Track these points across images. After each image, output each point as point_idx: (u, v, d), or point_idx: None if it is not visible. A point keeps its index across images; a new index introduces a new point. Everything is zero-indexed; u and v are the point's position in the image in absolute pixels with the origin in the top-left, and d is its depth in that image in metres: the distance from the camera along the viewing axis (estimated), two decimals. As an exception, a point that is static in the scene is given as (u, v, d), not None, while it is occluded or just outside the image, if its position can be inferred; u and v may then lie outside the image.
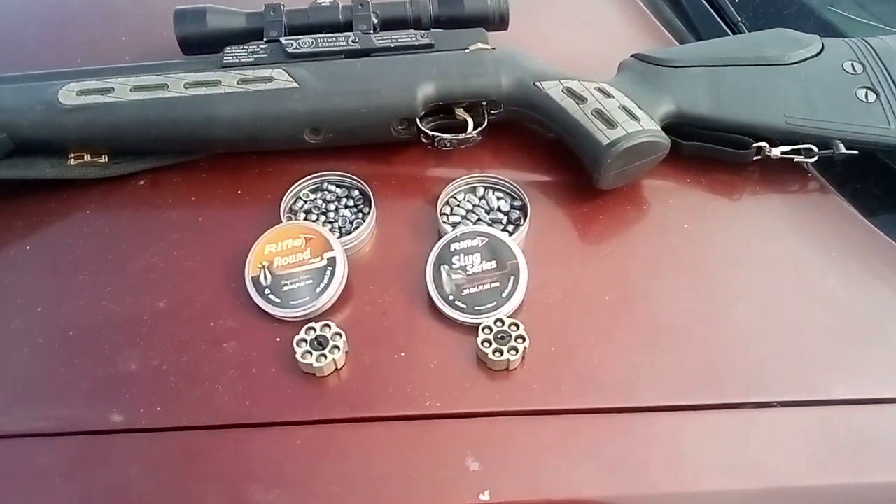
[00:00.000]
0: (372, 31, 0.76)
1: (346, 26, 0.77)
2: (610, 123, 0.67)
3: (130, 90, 0.69)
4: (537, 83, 0.71)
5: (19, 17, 0.91)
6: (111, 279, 0.65)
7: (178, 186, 0.72)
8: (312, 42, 0.74)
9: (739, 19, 0.88)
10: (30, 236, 0.69)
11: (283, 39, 0.74)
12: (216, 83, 0.70)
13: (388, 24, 0.78)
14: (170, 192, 0.72)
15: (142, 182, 0.73)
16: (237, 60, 0.73)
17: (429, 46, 0.75)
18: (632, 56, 0.75)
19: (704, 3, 0.91)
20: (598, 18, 0.90)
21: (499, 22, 0.78)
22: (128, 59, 0.83)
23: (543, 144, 0.75)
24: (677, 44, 0.87)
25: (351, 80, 0.70)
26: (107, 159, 0.72)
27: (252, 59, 0.73)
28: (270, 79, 0.70)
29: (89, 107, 0.69)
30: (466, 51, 0.74)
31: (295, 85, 0.70)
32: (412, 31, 0.76)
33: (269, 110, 0.69)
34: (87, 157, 0.72)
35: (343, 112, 0.70)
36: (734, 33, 0.88)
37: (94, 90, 0.69)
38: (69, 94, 0.69)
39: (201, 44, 0.76)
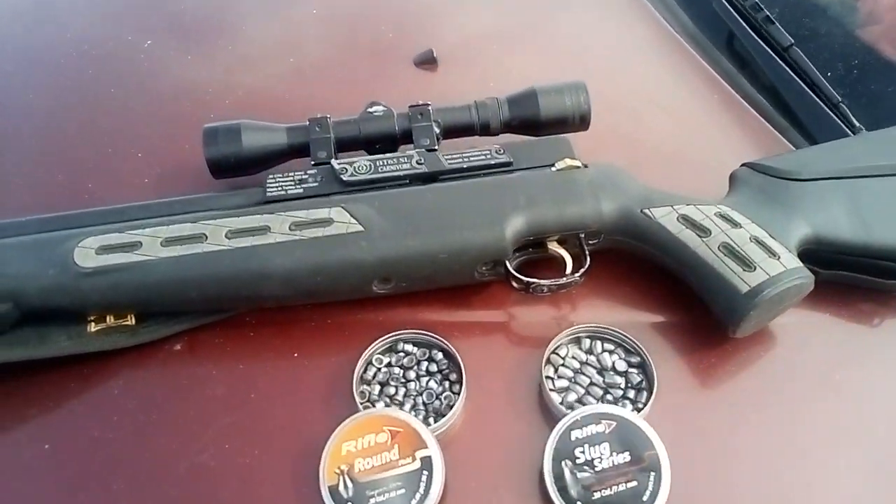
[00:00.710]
0: (437, 145, 0.64)
1: (404, 137, 0.66)
2: (745, 263, 0.56)
3: (161, 244, 0.57)
4: (645, 210, 0.60)
5: (19, 128, 0.78)
6: (151, 489, 0.53)
7: (221, 350, 0.60)
8: (370, 166, 0.63)
9: (840, 99, 0.77)
10: (47, 430, 0.57)
11: (335, 163, 0.63)
12: (264, 230, 0.58)
13: (452, 132, 0.67)
14: (211, 358, 0.60)
15: (177, 346, 0.61)
16: (283, 192, 0.62)
17: (507, 165, 0.64)
18: (744, 166, 0.64)
19: (799, 81, 0.80)
20: (680, 105, 0.79)
21: (579, 123, 0.67)
22: (147, 182, 0.72)
23: (647, 272, 0.63)
24: (775, 134, 0.76)
25: (425, 217, 0.59)
26: (134, 321, 0.60)
27: (301, 191, 0.62)
28: (329, 221, 0.58)
29: (113, 269, 0.57)
30: (554, 169, 0.63)
31: (359, 228, 0.58)
32: (485, 146, 0.65)
33: (331, 261, 0.57)
34: (110, 320, 0.60)
35: (419, 259, 0.58)
36: (835, 114, 0.77)
37: (118, 246, 0.57)
38: (87, 254, 0.57)
39: (236, 166, 0.65)
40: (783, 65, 0.82)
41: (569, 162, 0.63)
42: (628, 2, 0.91)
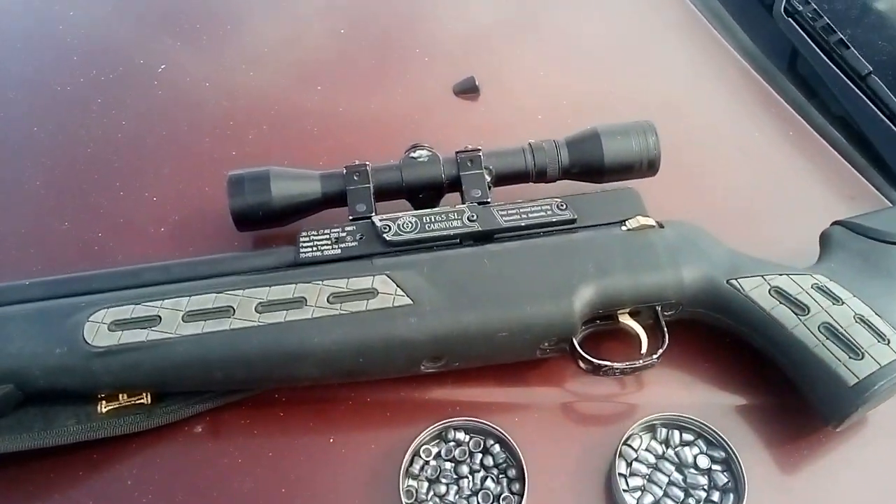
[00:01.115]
0: (489, 196, 0.57)
1: (451, 186, 0.59)
2: (851, 349, 0.48)
3: (183, 319, 0.51)
4: (733, 281, 0.52)
5: (20, 167, 0.70)
6: None
7: (248, 433, 0.54)
8: (416, 224, 0.56)
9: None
10: (52, 530, 0.50)
11: (376, 220, 0.56)
12: (299, 303, 0.51)
13: (504, 180, 0.60)
14: (236, 443, 0.53)
15: (198, 428, 0.54)
16: (319, 254, 0.55)
17: (570, 222, 0.56)
18: (837, 224, 0.57)
19: (880, 114, 0.72)
20: (750, 142, 0.71)
21: (647, 168, 0.60)
22: (163, 231, 0.65)
23: (728, 346, 0.56)
24: (857, 176, 0.68)
25: (482, 288, 0.52)
26: (150, 400, 0.53)
27: (339, 251, 0.55)
28: (373, 292, 0.51)
29: (128, 348, 0.50)
30: (624, 229, 0.56)
31: (408, 301, 0.51)
32: (544, 199, 0.57)
33: (375, 340, 0.50)
34: (123, 398, 0.53)
35: (475, 337, 0.51)
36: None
37: (133, 321, 0.50)
38: (99, 330, 0.50)
39: (263, 219, 0.58)
40: (862, 96, 0.74)
41: (641, 220, 0.56)
42: (685, 19, 0.83)
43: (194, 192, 0.66)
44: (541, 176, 0.60)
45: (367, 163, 0.59)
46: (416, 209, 0.57)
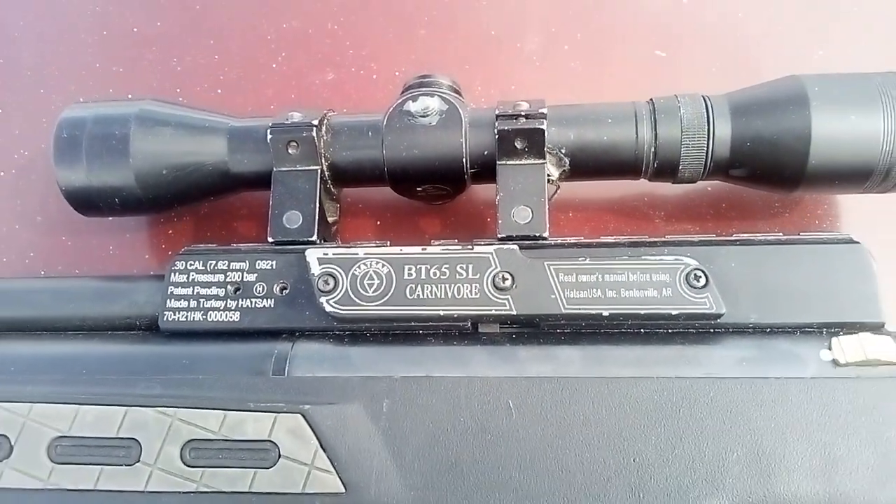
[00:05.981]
0: (546, 210, 0.29)
1: (480, 175, 0.31)
2: None
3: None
4: None
5: None
6: None
7: None
8: (388, 279, 0.28)
9: None
10: None
11: (313, 263, 0.28)
12: (128, 451, 0.26)
13: (586, 173, 0.31)
14: None
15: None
16: (198, 319, 0.30)
17: (710, 319, 0.27)
18: None
19: None
20: None
21: (881, 178, 0.30)
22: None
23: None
24: None
25: (499, 474, 0.24)
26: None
27: (234, 319, 0.29)
28: (268, 450, 0.25)
29: None
30: (826, 358, 0.26)
31: (336, 487, 0.25)
32: (659, 248, 0.28)
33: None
34: None
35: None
36: None
37: None
38: None
39: (122, 207, 0.32)
40: None
41: (868, 345, 0.25)
42: None
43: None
44: (665, 172, 0.29)
45: (326, 112, 0.29)
46: (394, 243, 0.29)
